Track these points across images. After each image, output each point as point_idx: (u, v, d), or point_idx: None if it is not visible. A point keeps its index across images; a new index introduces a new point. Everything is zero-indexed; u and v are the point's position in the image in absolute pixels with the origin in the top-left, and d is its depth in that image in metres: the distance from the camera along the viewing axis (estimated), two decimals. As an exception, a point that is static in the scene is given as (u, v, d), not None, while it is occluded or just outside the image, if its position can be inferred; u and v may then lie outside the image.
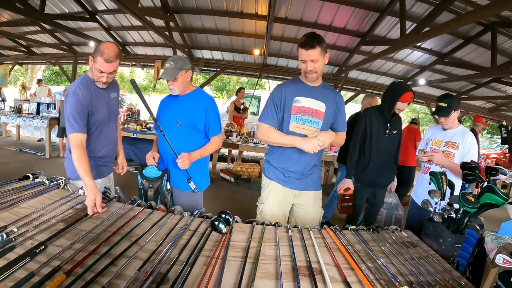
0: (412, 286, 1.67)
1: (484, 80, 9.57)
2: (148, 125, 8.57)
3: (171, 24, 8.35)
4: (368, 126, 3.66)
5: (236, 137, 8.60)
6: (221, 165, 9.75)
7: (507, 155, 11.08)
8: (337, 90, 10.18)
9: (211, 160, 9.00)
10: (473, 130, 7.20)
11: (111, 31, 9.87)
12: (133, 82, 2.90)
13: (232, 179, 8.18)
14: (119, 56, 2.61)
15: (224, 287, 1.47)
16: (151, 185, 2.96)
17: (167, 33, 8.21)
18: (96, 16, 8.96)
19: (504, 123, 11.30)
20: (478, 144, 7.27)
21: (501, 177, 2.80)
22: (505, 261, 1.75)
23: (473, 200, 2.19)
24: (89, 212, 2.11)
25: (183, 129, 2.97)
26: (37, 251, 1.52)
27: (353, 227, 2.50)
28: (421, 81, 9.74)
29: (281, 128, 2.83)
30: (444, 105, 3.31)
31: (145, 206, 2.40)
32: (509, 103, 11.55)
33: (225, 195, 7.01)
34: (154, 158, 3.05)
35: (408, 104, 3.53)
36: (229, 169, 8.84)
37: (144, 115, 11.18)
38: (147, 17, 6.97)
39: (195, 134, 3.02)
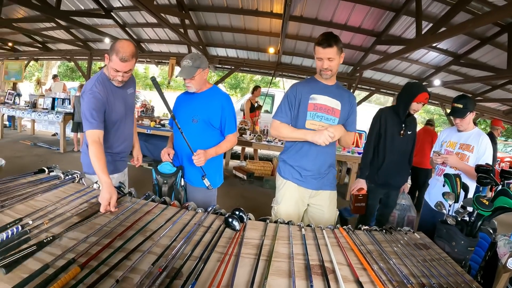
0: (424, 287, 1.66)
1: (500, 82, 9.45)
2: (162, 122, 8.56)
3: (186, 21, 8.38)
4: (383, 126, 3.64)
5: (250, 135, 8.60)
6: (234, 163, 9.79)
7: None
8: (351, 90, 10.24)
9: (224, 157, 9.01)
10: (491, 134, 7.14)
11: (126, 28, 9.95)
12: (153, 79, 2.95)
13: (245, 177, 8.21)
14: (135, 54, 2.60)
15: (237, 283, 1.48)
16: (165, 181, 2.97)
17: (182, 30, 8.23)
18: (112, 13, 9.04)
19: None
20: (496, 148, 7.20)
21: (514, 181, 2.78)
22: None
23: (487, 203, 2.17)
24: (102, 210, 2.10)
25: (199, 126, 2.99)
26: (45, 241, 1.53)
27: (366, 227, 2.50)
28: (436, 82, 9.64)
29: (296, 125, 2.84)
30: (460, 106, 3.29)
31: (159, 201, 2.40)
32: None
33: (237, 193, 7.02)
34: (169, 155, 3.07)
35: (423, 105, 3.50)
36: (242, 167, 8.86)
37: (158, 112, 11.22)
38: (162, 14, 6.99)
39: (210, 132, 3.04)
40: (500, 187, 2.47)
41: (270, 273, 1.61)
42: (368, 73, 10.68)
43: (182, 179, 3.06)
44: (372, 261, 1.92)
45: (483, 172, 2.70)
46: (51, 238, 1.57)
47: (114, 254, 1.53)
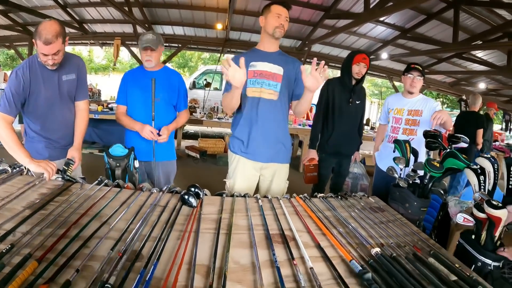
0: (383, 247, 1.70)
1: (445, 56, 9.82)
2: (110, 105, 8.23)
3: None
4: (331, 96, 3.68)
5: (200, 113, 8.53)
6: (185, 143, 9.69)
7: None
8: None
9: (175, 137, 8.91)
10: (487, 115, 7.28)
11: (68, 9, 9.38)
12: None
13: (198, 156, 8.17)
14: (60, 34, 2.43)
15: (199, 258, 1.46)
16: (118, 164, 2.91)
17: (126, 8, 7.92)
18: (51, -8, 8.54)
19: (463, 97, 11.62)
20: (492, 126, 7.44)
21: (462, 145, 2.86)
22: (465, 219, 1.85)
23: (438, 165, 2.25)
24: (47, 178, 2.16)
25: (160, 105, 3.13)
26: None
27: (322, 194, 2.53)
28: (384, 55, 9.88)
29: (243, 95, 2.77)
30: (420, 68, 3.37)
31: (112, 185, 2.31)
32: (469, 78, 11.87)
33: (192, 172, 7.02)
34: (152, 132, 3.06)
35: (365, 67, 3.53)
36: (194, 146, 8.80)
37: (106, 95, 10.87)
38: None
39: (170, 109, 3.27)
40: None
41: (231, 245, 1.61)
42: (316, 47, 10.82)
43: (136, 161, 3.03)
44: (331, 226, 1.95)
45: (431, 137, 2.78)
46: (3, 235, 1.48)
47: (70, 244, 1.45)
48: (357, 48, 10.41)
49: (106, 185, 2.29)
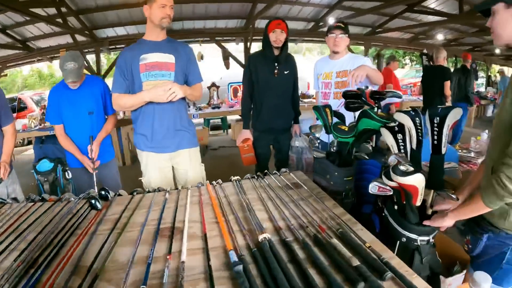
0: (279, 231, 1.56)
1: (397, 11, 9.65)
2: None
3: (63, 9, 7.61)
4: (254, 71, 3.51)
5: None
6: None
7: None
8: (248, 44, 10.27)
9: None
10: (465, 67, 7.35)
11: (7, 31, 8.96)
12: None
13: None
14: None
15: (85, 260, 1.45)
16: (46, 179, 2.93)
17: (60, 20, 7.61)
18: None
19: (425, 51, 11.55)
20: (473, 79, 7.49)
21: (394, 100, 2.66)
22: (380, 189, 1.64)
23: (346, 129, 2.06)
24: None
25: (94, 117, 3.20)
26: None
27: (237, 177, 2.40)
28: (331, 20, 9.57)
29: (134, 91, 2.73)
30: (342, 25, 3.22)
31: (38, 200, 2.30)
32: (426, 31, 11.76)
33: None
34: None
35: (282, 32, 3.33)
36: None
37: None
38: (33, 9, 6.56)
39: (101, 118, 3.28)
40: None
41: (119, 244, 1.59)
42: (262, 24, 10.37)
43: (66, 172, 3.05)
44: (230, 212, 1.85)
45: (351, 97, 2.56)
46: None
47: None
48: (304, 17, 10.22)
49: (32, 201, 2.31)
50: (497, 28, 1.47)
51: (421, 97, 7.14)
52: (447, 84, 6.11)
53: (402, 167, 1.42)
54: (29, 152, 9.34)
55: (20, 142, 10.78)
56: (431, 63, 6.59)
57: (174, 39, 2.94)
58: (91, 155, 3.07)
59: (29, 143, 9.95)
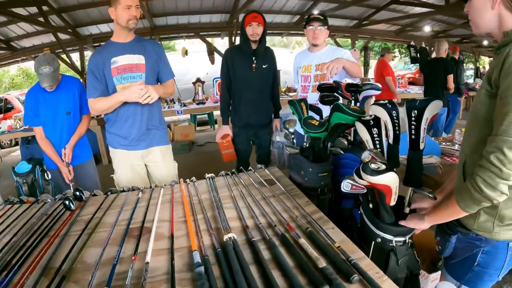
0: (247, 229, 1.54)
1: (383, 3, 9.60)
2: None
3: (44, 8, 7.49)
4: (231, 66, 3.45)
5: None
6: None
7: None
8: (233, 39, 10.14)
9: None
10: (453, 59, 7.34)
11: None
12: None
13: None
14: None
15: (54, 262, 1.44)
16: (24, 181, 2.96)
17: (42, 19, 7.53)
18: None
19: (412, 43, 11.57)
20: (463, 70, 7.55)
21: (371, 92, 2.59)
22: (353, 187, 1.59)
23: (317, 124, 2.02)
24: None
25: (71, 117, 3.23)
26: None
27: (211, 175, 2.39)
28: (315, 12, 9.55)
29: (109, 95, 2.74)
30: (321, 17, 3.18)
31: (16, 202, 2.30)
32: (414, 23, 11.73)
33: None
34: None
35: (259, 25, 3.27)
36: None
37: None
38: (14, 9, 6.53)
39: (77, 117, 3.30)
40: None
41: (87, 245, 1.57)
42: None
43: (46, 173, 3.15)
44: (200, 211, 1.82)
45: (326, 90, 2.53)
46: None
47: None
48: (289, 10, 10.16)
49: (11, 203, 2.31)
50: (474, 16, 1.40)
51: (409, 89, 7.15)
52: (450, 77, 6.20)
53: (373, 165, 1.34)
54: (17, 153, 9.30)
55: (7, 143, 10.69)
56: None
57: (142, 37, 2.93)
58: (65, 158, 3.11)
59: (17, 143, 9.82)
